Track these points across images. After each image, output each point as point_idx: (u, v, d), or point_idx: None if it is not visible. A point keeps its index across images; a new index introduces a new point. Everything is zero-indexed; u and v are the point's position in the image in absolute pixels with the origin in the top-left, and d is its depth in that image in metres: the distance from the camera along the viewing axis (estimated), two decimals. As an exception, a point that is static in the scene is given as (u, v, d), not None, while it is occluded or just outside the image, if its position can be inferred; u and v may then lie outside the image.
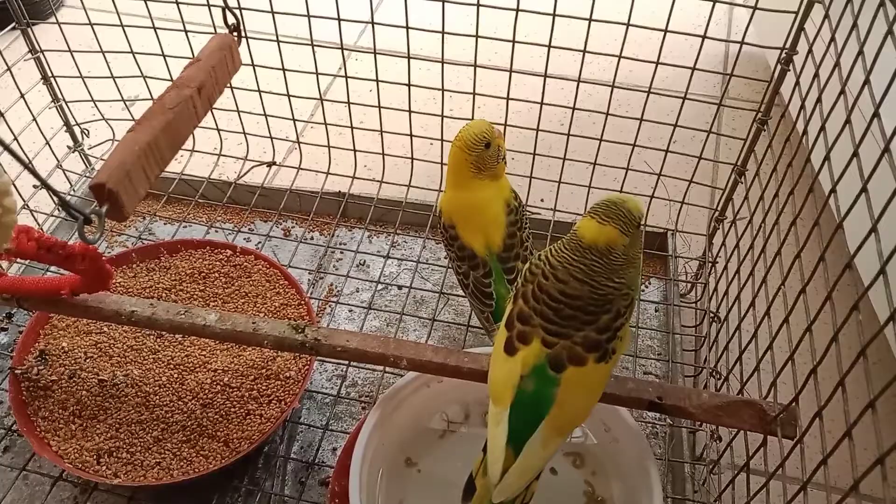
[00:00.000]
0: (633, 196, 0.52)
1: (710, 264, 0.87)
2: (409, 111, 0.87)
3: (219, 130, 0.96)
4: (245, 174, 1.00)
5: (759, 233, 0.69)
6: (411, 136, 0.90)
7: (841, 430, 0.42)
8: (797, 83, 0.65)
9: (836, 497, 0.42)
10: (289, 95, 0.90)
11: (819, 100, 0.58)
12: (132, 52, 0.89)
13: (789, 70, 0.70)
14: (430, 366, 0.61)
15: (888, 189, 0.39)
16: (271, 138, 0.96)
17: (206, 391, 0.71)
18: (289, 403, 0.70)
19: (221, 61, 0.53)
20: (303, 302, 0.79)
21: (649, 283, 0.92)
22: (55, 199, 0.39)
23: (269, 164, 1.01)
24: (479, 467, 0.56)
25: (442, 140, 0.90)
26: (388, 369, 0.79)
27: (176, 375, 0.72)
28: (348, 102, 0.89)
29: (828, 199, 0.50)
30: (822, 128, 0.55)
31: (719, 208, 0.87)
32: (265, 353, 0.74)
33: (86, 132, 1.01)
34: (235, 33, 0.56)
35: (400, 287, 0.91)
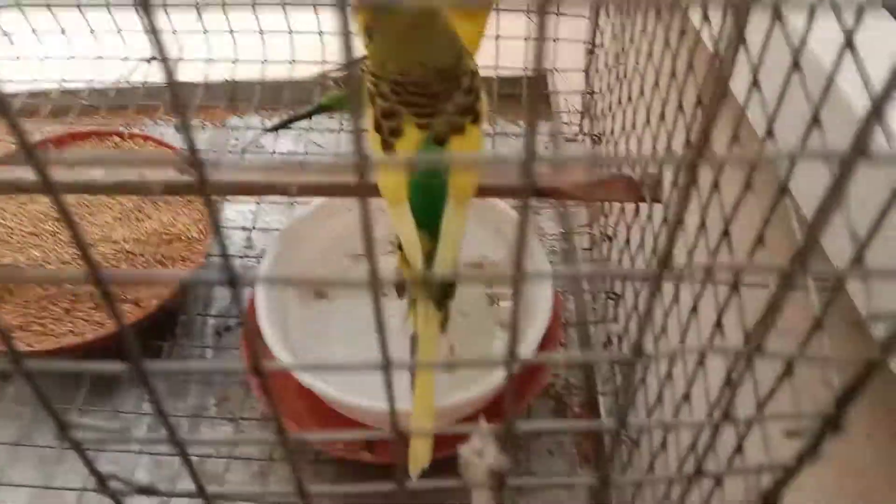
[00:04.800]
0: None
1: (588, 95, 0.92)
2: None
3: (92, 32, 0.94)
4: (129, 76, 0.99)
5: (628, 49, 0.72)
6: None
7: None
8: None
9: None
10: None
11: None
12: None
13: None
14: (320, 189, 0.63)
15: None
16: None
17: (111, 261, 0.72)
18: (195, 262, 0.72)
19: None
20: (198, 174, 0.80)
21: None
22: None
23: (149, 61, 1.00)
24: (401, 264, 0.56)
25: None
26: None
27: (78, 252, 0.73)
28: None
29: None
30: None
31: (592, 41, 0.90)
32: (164, 220, 0.75)
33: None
34: None
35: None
